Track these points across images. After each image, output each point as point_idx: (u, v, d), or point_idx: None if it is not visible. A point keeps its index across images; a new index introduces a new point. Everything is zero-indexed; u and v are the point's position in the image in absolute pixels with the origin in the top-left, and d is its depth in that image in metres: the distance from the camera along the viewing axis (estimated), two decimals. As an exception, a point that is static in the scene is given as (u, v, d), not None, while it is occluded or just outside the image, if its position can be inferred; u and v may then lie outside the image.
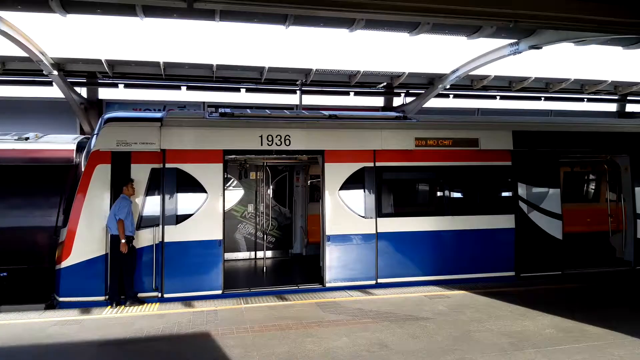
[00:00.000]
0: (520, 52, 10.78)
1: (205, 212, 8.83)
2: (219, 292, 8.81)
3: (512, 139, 10.37)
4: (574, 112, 16.33)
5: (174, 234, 8.63)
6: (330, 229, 9.28)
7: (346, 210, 9.39)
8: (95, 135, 8.98)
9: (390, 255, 9.50)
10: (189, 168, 8.83)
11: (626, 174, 11.02)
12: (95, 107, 13.28)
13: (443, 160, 10.02)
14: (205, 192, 8.86)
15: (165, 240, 8.59)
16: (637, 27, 7.92)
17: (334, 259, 9.26)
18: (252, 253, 12.66)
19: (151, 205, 8.69)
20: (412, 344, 6.21)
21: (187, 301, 8.42)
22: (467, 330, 6.71)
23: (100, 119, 9.51)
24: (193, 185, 8.83)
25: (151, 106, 14.01)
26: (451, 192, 10.16)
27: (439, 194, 10.20)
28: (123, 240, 8.07)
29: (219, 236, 8.83)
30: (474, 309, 7.79)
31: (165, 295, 8.55)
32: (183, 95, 14.08)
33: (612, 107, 16.90)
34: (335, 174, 9.42)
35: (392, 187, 9.87)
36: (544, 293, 8.95)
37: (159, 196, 8.70)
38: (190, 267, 8.73)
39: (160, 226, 8.61)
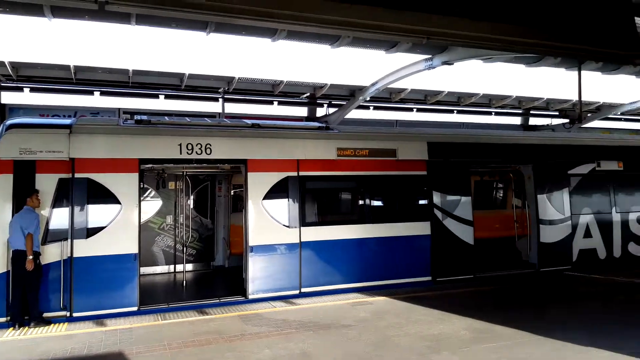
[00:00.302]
0: (434, 67, 11.37)
1: (119, 224, 8.37)
2: (135, 308, 8.37)
3: (427, 150, 10.87)
4: (483, 124, 17.45)
5: (84, 248, 8.10)
6: (253, 239, 9.17)
7: (270, 220, 9.34)
8: (-5, 143, 8.23)
9: (314, 264, 9.56)
10: (101, 178, 8.34)
11: (529, 182, 11.94)
12: (-4, 112, 12.20)
13: (363, 169, 10.29)
14: (119, 203, 8.41)
15: (75, 255, 8.03)
16: (537, 47, 8.63)
17: (257, 270, 9.15)
18: (172, 266, 12.19)
19: (59, 218, 8.11)
20: (335, 352, 6.27)
21: (99, 320, 7.92)
22: (387, 336, 6.89)
23: (2, 125, 8.76)
24: (105, 196, 8.35)
25: (61, 112, 13.08)
26: (371, 201, 10.46)
27: (360, 202, 10.47)
28: (30, 257, 7.47)
29: (135, 250, 8.40)
30: (393, 314, 8.03)
31: (75, 314, 7.99)
32: (96, 101, 13.30)
33: (517, 120, 18.27)
34: (258, 183, 9.34)
35: (315, 196, 9.99)
36: (458, 296, 9.43)
37: (68, 208, 8.13)
38: (102, 284, 8.21)
39: (69, 240, 8.04)
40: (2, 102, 12.49)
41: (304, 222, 9.63)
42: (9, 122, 8.62)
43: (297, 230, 9.50)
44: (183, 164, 9.44)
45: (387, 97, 15.12)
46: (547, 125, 17.69)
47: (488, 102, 16.36)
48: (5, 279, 7.64)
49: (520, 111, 17.46)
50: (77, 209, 8.17)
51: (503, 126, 17.69)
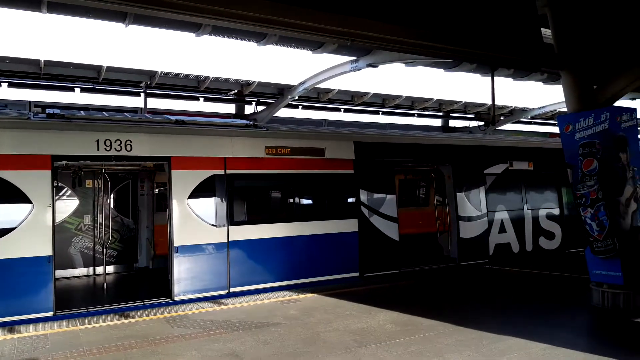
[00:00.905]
0: (359, 69, 11.67)
1: (30, 225, 7.80)
2: (50, 314, 7.85)
3: (354, 149, 11.12)
4: (406, 125, 18.13)
5: None
6: (178, 239, 8.89)
7: (196, 220, 9.10)
8: None
9: (242, 263, 9.45)
10: (8, 175, 7.72)
11: (449, 181, 12.58)
12: None
13: (292, 168, 10.32)
14: (30, 202, 7.84)
15: None
16: (454, 52, 9.12)
17: (183, 271, 8.89)
18: (91, 269, 11.53)
19: None
20: (263, 351, 6.23)
21: (10, 326, 7.34)
22: (316, 332, 6.96)
23: None
24: (15, 195, 7.74)
25: (-39, 104, 11.94)
26: (300, 199, 10.51)
27: (289, 200, 10.49)
28: None
29: (49, 252, 7.87)
30: (322, 310, 8.13)
31: None
32: (3, 92, 12.27)
33: (438, 122, 19.17)
34: (183, 181, 9.06)
35: (243, 195, 9.87)
36: (384, 291, 9.72)
37: None
38: (13, 288, 7.62)
39: None
40: None
41: (232, 221, 9.48)
42: None
43: (224, 230, 9.33)
44: (101, 161, 8.95)
45: (316, 97, 15.29)
46: (465, 127, 18.73)
47: (411, 104, 17.02)
48: None
49: (440, 113, 18.33)
50: None
51: (425, 127, 18.49)
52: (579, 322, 7.60)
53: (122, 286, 10.69)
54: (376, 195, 11.21)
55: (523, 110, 18.25)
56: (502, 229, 12.94)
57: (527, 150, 14.09)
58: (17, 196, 7.78)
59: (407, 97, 16.40)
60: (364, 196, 11.01)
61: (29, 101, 12.78)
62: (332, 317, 7.68)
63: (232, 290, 9.30)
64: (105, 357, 6.00)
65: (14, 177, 7.78)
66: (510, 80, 13.57)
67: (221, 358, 5.98)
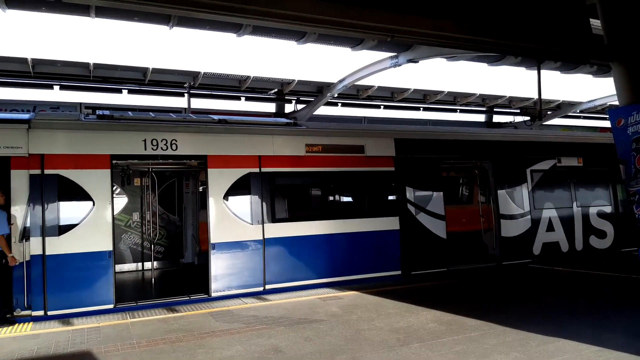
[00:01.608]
0: (400, 65, 11.55)
1: (91, 221, 8.18)
2: (111, 306, 8.22)
3: (395, 146, 11.01)
4: (448, 121, 17.84)
5: (56, 245, 7.88)
6: (215, 236, 8.99)
7: (232, 217, 9.19)
8: (-52, 138, 7.87)
9: (278, 260, 9.48)
10: (71, 174, 8.11)
11: (491, 178, 12.27)
12: (-50, 106, 11.65)
13: (331, 165, 10.31)
14: (92, 200, 8.21)
15: (47, 252, 7.80)
16: (498, 46, 8.89)
17: (219, 268, 9.02)
18: (140, 264, 11.95)
19: (30, 216, 7.86)
20: (306, 347, 6.28)
21: (67, 319, 7.71)
22: (358, 330, 6.95)
23: (-45, 120, 8.36)
24: (77, 193, 8.15)
25: (19, 106, 12.63)
26: (340, 197, 10.49)
27: (327, 198, 10.49)
28: (11, 254, 7.40)
29: (109, 247, 8.23)
30: (364, 308, 8.11)
31: (50, 313, 7.77)
32: (56, 95, 12.89)
33: (481, 118, 18.75)
34: (220, 180, 9.17)
35: (283, 193, 9.94)
36: (427, 290, 9.59)
37: (36, 205, 7.88)
38: (76, 281, 8.01)
39: (41, 238, 7.80)
40: (-45, 95, 11.96)
41: (271, 219, 9.58)
42: (-37, 116, 8.24)
43: (260, 227, 9.35)
44: (148, 160, 9.24)
45: (355, 94, 15.26)
46: (510, 122, 18.24)
47: (453, 100, 16.74)
48: None
49: (484, 109, 17.93)
50: (48, 206, 7.94)
51: (468, 123, 18.13)
52: (633, 324, 7.26)
53: (169, 281, 11.02)
54: (423, 193, 11.05)
55: (571, 104, 17.60)
56: (550, 228, 12.50)
57: (576, 145, 13.56)
58: (80, 194, 8.17)
59: (449, 93, 16.13)
60: (410, 193, 10.90)
61: (80, 103, 13.38)
62: (374, 315, 7.66)
63: (267, 287, 9.36)
64: (154, 350, 6.21)
65: (76, 175, 8.16)
66: (557, 73, 13.12)
67: (265, 353, 6.07)
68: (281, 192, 9.91)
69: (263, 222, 9.42)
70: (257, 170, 9.54)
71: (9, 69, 11.70)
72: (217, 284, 9.00)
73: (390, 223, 10.59)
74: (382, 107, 16.37)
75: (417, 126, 14.57)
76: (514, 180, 12.31)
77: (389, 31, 8.54)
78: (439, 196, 11.24)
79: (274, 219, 9.63)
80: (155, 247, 11.74)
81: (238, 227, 9.24)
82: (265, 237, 9.40)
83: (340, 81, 13.61)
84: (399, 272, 10.57)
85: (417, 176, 11.08)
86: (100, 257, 8.19)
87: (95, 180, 8.28)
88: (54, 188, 8.03)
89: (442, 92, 15.90)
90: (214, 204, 9.09)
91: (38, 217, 7.89)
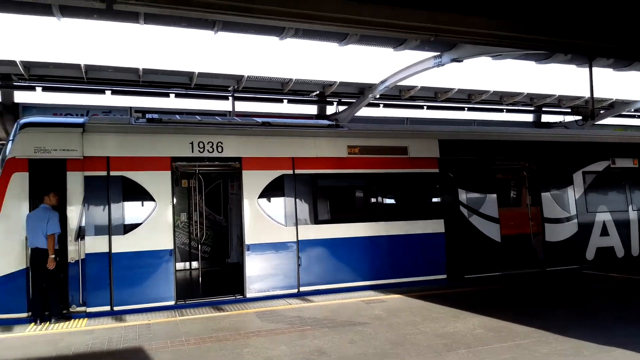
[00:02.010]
0: (443, 65, 11.34)
1: (154, 221, 8.51)
2: (172, 302, 8.51)
3: (439, 147, 10.82)
4: (494, 121, 17.39)
5: (122, 244, 8.26)
6: (249, 237, 9.09)
7: (266, 219, 9.27)
8: (10, 141, 8.32)
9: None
10: (135, 176, 8.49)
11: (536, 180, 11.83)
12: (10, 111, 12.30)
13: (374, 167, 10.24)
14: (154, 200, 8.54)
15: (113, 250, 8.19)
16: (546, 43, 8.60)
17: (254, 269, 9.09)
18: (187, 264, 12.25)
19: (89, 215, 8.22)
20: (350, 349, 6.26)
21: (118, 315, 8.01)
22: (403, 334, 6.87)
23: (15, 124, 8.83)
24: (140, 194, 8.55)
25: (73, 111, 13.18)
26: (382, 198, 10.37)
27: (369, 200, 10.39)
28: (52, 256, 7.59)
29: (170, 245, 8.54)
30: (409, 312, 8.01)
31: (116, 308, 8.15)
32: (107, 99, 13.40)
33: (529, 118, 18.16)
34: (254, 181, 9.27)
35: (325, 194, 9.90)
36: (473, 294, 9.38)
37: (98, 205, 8.26)
38: (139, 279, 8.38)
39: (107, 236, 8.21)
40: (16, 101, 12.60)
41: (315, 220, 9.59)
42: (22, 121, 8.68)
43: (293, 229, 9.36)
44: (195, 162, 9.45)
45: (397, 95, 15.10)
46: (560, 122, 17.58)
47: (499, 99, 16.30)
48: (25, 275, 7.72)
49: (532, 108, 17.37)
50: (114, 206, 8.31)
51: (515, 123, 17.60)
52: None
53: (216, 280, 11.23)
54: (477, 195, 10.86)
55: (625, 103, 16.77)
56: (605, 232, 11.96)
57: (632, 146, 12.92)
58: (143, 194, 8.55)
59: (495, 92, 15.72)
60: (462, 195, 10.72)
61: (130, 107, 13.84)
62: (419, 320, 7.55)
63: (302, 289, 9.35)
64: (202, 348, 6.36)
65: (140, 177, 8.53)
66: (609, 70, 12.54)
67: (309, 355, 6.10)
68: (325, 194, 9.90)
69: (297, 224, 9.43)
70: (290, 172, 9.56)
71: (63, 75, 12.26)
72: (252, 285, 9.08)
73: (434, 226, 10.41)
74: (425, 107, 16.13)
75: (462, 127, 14.26)
76: (561, 182, 11.87)
77: (432, 31, 8.44)
78: (492, 198, 10.98)
79: (316, 221, 9.63)
80: (202, 247, 11.99)
81: (272, 228, 9.29)
82: (300, 239, 9.41)
83: (382, 82, 13.50)
84: (444, 276, 10.37)
85: (470, 178, 10.87)
86: (163, 255, 8.51)
87: (157, 181, 8.63)
88: (119, 189, 8.40)
89: (487, 91, 15.51)
90: (249, 206, 9.19)
91: (93, 217, 8.23)
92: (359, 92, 14.48)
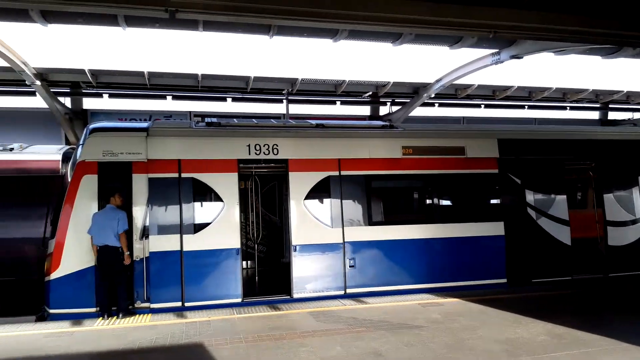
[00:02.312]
0: (501, 62, 11.00)
1: (222, 220, 8.82)
2: (239, 300, 8.79)
3: (498, 147, 10.48)
4: (557, 120, 16.65)
5: (192, 242, 8.61)
6: (296, 238, 9.14)
7: (312, 220, 9.26)
8: (80, 146, 8.85)
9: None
10: (204, 177, 8.83)
11: (609, 181, 11.19)
12: (80, 117, 13.11)
13: (429, 168, 10.02)
14: (222, 201, 8.86)
15: (185, 249, 8.55)
16: (613, 37, 8.14)
17: (300, 269, 9.13)
18: (244, 262, 12.54)
19: (151, 215, 8.58)
20: (407, 352, 6.19)
21: (180, 312, 8.32)
22: (461, 338, 6.72)
23: (85, 129, 9.38)
24: (209, 195, 8.91)
25: (137, 116, 13.87)
26: (438, 200, 10.12)
27: (426, 201, 10.18)
28: (128, 252, 8.10)
29: (237, 245, 8.83)
30: (467, 316, 7.81)
31: (187, 304, 8.49)
32: (169, 104, 14.00)
33: (595, 115, 17.26)
34: (300, 182, 9.32)
35: (379, 195, 9.79)
36: (536, 300, 9.00)
37: (155, 206, 8.60)
38: (209, 276, 8.70)
39: (179, 235, 8.58)
40: (84, 107, 13.41)
41: (369, 221, 9.53)
42: (92, 126, 9.19)
43: (339, 230, 9.31)
44: (252, 164, 9.65)
45: (453, 94, 14.79)
46: (628, 119, 16.59)
47: (562, 97, 15.58)
48: (94, 272, 8.17)
49: (597, 105, 16.50)
50: (185, 206, 8.67)
51: (579, 121, 16.79)
52: None
53: (272, 280, 11.42)
54: (545, 196, 10.49)
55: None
56: None
57: None
58: (211, 195, 8.90)
59: (557, 89, 15.04)
60: (530, 196, 10.38)
61: (189, 111, 14.38)
62: (477, 324, 7.35)
63: (349, 291, 9.27)
64: (260, 346, 6.49)
65: (209, 179, 8.86)
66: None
67: (365, 356, 6.08)
68: (380, 195, 9.81)
69: (343, 225, 9.40)
70: (336, 173, 9.53)
71: (128, 82, 12.91)
72: (298, 286, 9.14)
73: (493, 228, 10.07)
74: (482, 106, 15.69)
75: (523, 125, 13.74)
76: (627, 183, 11.22)
77: (491, 27, 8.21)
78: (562, 199, 10.57)
79: (369, 222, 9.55)
80: (258, 246, 12.24)
81: (318, 229, 9.31)
82: (346, 240, 9.38)
83: (438, 81, 13.27)
84: (504, 280, 10.02)
85: (537, 178, 10.49)
86: (230, 253, 8.79)
87: (226, 182, 8.93)
88: (190, 190, 8.76)
89: (549, 88, 14.86)
90: (295, 207, 9.26)
91: (157, 217, 8.58)
92: (413, 92, 14.31)
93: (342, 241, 9.35)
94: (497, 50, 10.88)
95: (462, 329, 7.12)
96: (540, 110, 16.38)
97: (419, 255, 9.70)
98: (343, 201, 9.48)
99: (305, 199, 9.31)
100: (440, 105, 15.49)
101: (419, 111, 14.95)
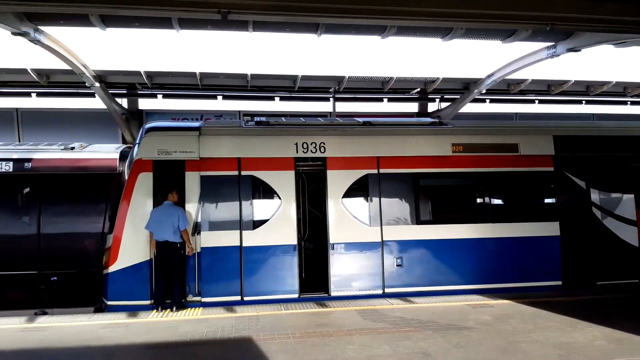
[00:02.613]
0: (558, 55, 10.56)
1: (280, 217, 9.00)
2: (296, 296, 8.94)
3: (554, 144, 10.07)
4: (617, 115, 15.82)
5: (251, 238, 8.82)
6: (334, 236, 9.16)
7: (350, 218, 9.23)
8: (137, 145, 9.21)
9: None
10: (262, 175, 9.03)
11: None
12: (136, 117, 13.66)
13: (481, 166, 9.74)
14: (280, 198, 9.04)
15: (244, 244, 8.77)
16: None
17: (338, 268, 9.12)
18: None
19: (205, 212, 8.83)
20: (457, 354, 6.07)
21: (229, 306, 8.51)
22: (513, 341, 6.52)
23: (141, 129, 9.76)
24: (267, 192, 9.09)
25: (189, 115, 14.30)
26: (490, 199, 9.82)
27: (477, 200, 9.88)
28: (190, 245, 8.45)
29: (294, 241, 8.99)
30: (519, 318, 7.57)
31: (246, 298, 8.72)
32: (219, 104, 14.33)
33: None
34: (338, 181, 9.29)
35: (429, 194, 9.61)
36: (594, 303, 8.60)
37: (213, 202, 8.85)
38: (267, 271, 8.89)
39: (238, 231, 8.80)
40: (140, 107, 13.96)
41: (418, 219, 9.38)
42: (147, 125, 9.54)
43: (378, 229, 9.19)
44: (299, 162, 9.72)
45: (505, 89, 14.34)
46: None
47: (622, 91, 14.78)
48: (149, 266, 8.51)
49: (661, 99, 15.55)
50: (244, 203, 8.91)
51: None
52: None
53: (318, 277, 11.47)
54: (611, 195, 10.05)
55: None
56: None
57: None
58: (270, 192, 9.09)
59: (617, 83, 14.28)
60: (595, 195, 9.95)
61: (239, 110, 14.67)
62: (530, 327, 7.11)
63: (387, 290, 9.14)
64: (307, 342, 6.55)
65: (267, 176, 9.07)
66: None
67: (413, 356, 6.02)
68: (429, 193, 9.62)
69: (382, 224, 9.27)
70: (412, 170, 9.46)
71: (181, 83, 13.33)
72: (336, 284, 9.11)
73: (548, 228, 9.66)
74: (536, 101, 15.12)
75: (580, 122, 13.12)
76: None
77: (548, 19, 7.91)
78: (629, 199, 10.09)
79: (418, 221, 9.39)
80: (305, 243, 12.33)
81: (356, 228, 9.23)
82: (384, 239, 9.25)
83: (489, 76, 12.90)
84: (558, 282, 9.61)
85: (600, 177, 10.05)
86: (288, 249, 8.98)
87: (283, 180, 9.09)
88: (249, 187, 8.98)
89: (609, 82, 14.13)
90: (333, 205, 9.25)
91: (209, 214, 8.81)
92: (463, 88, 13.98)
93: (380, 240, 9.27)
94: (553, 43, 10.47)
95: (514, 332, 6.90)
96: (599, 105, 15.60)
97: (468, 255, 9.46)
98: (382, 199, 9.38)
99: (343, 197, 9.30)
100: (492, 101, 15.06)
101: (469, 107, 14.61)
